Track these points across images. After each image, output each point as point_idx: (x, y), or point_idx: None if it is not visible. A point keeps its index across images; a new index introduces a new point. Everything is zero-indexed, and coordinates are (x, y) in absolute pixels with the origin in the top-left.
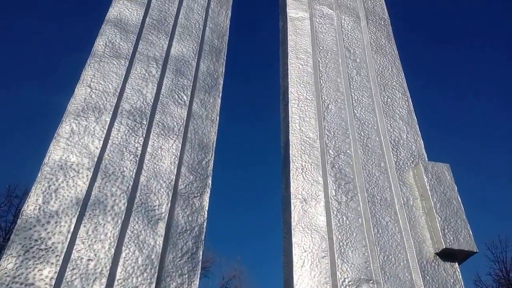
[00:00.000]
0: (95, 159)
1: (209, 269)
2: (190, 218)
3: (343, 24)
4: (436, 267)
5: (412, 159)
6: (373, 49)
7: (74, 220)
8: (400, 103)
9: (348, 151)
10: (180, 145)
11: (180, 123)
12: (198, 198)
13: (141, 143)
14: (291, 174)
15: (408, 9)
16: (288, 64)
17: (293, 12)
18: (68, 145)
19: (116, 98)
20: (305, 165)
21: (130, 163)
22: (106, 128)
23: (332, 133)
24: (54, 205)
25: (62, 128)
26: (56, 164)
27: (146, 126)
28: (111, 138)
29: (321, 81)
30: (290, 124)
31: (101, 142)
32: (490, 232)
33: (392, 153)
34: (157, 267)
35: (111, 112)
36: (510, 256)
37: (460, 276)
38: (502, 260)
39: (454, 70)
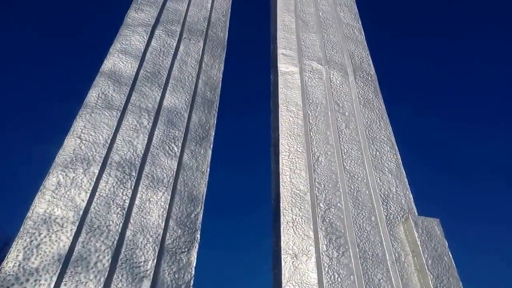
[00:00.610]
0: (81, 213)
1: None
2: (176, 275)
3: (332, 78)
4: None
5: (402, 213)
6: (361, 103)
7: (54, 279)
8: (389, 156)
9: (338, 204)
10: (169, 198)
11: (170, 175)
12: (185, 253)
13: (129, 196)
14: (281, 227)
15: (395, 69)
16: (279, 116)
17: (283, 66)
18: (54, 197)
19: (106, 150)
20: (295, 218)
21: (117, 216)
22: (94, 180)
23: (322, 185)
24: (35, 261)
25: (48, 180)
26: (39, 217)
27: (135, 177)
28: (98, 190)
29: (311, 133)
30: (280, 176)
31: (88, 195)
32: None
33: (382, 206)
34: None
35: (100, 164)
36: None
37: None
38: None
39: (441, 131)
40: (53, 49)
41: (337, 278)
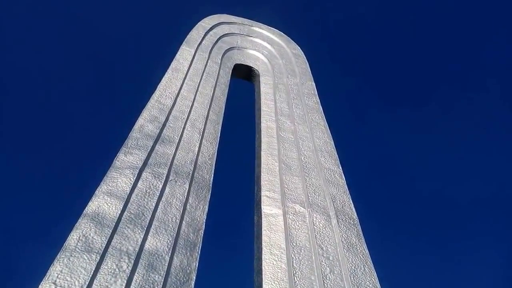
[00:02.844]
0: None
1: None
2: None
3: (315, 221)
4: None
5: None
6: (345, 247)
7: None
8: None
9: None
10: None
11: None
12: None
13: None
14: None
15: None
16: (262, 259)
17: (267, 208)
18: None
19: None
20: None
21: None
22: None
23: None
24: None
25: None
26: None
27: None
28: None
29: (295, 278)
30: None
31: None
32: None
33: None
34: None
35: None
36: None
37: None
38: None
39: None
40: (34, 192)
41: None
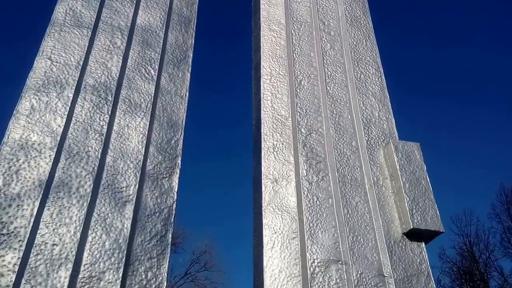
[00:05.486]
0: (58, 138)
1: (179, 245)
2: (159, 200)
3: None
4: (403, 247)
5: (383, 138)
6: (348, 21)
7: (37, 203)
8: (373, 79)
9: (320, 130)
10: (147, 123)
11: (148, 100)
12: (167, 179)
13: (107, 121)
14: (262, 153)
15: None
16: (261, 36)
17: None
18: (29, 123)
19: (79, 72)
20: (276, 144)
21: (96, 142)
22: (69, 104)
23: (304, 111)
24: (16, 187)
25: (21, 105)
26: (16, 143)
27: (112, 102)
28: (74, 115)
29: (294, 55)
30: (262, 101)
31: (64, 120)
32: (456, 206)
33: (364, 131)
34: (125, 251)
35: (74, 87)
36: (474, 229)
37: (427, 256)
38: (466, 233)
39: (427, 51)
40: None
41: (316, 201)
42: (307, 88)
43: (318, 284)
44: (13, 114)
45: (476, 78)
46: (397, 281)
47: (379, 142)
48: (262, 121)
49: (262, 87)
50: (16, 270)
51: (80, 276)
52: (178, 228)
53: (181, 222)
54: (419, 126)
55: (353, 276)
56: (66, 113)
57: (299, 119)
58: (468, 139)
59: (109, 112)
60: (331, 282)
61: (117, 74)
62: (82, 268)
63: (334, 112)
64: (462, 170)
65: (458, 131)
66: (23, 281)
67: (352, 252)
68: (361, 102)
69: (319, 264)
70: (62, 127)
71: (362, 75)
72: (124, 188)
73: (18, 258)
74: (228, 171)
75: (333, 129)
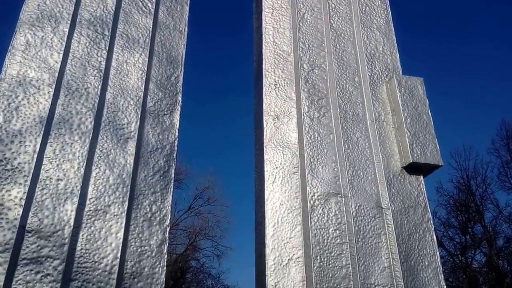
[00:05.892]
0: (56, 74)
1: (182, 181)
2: (160, 137)
3: None
4: (401, 180)
5: (387, 73)
6: None
7: (39, 140)
8: (379, 11)
9: (322, 65)
10: (146, 59)
11: (146, 35)
12: (168, 116)
13: (105, 57)
14: (263, 90)
15: None
16: None
17: None
18: (25, 58)
19: (74, 5)
20: (278, 80)
21: (94, 78)
22: (65, 39)
23: (307, 46)
24: (17, 124)
25: (16, 40)
26: (14, 80)
27: (109, 37)
28: (71, 51)
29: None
30: (263, 36)
31: (61, 56)
32: (457, 141)
33: (367, 66)
34: (129, 186)
35: (69, 22)
36: (472, 164)
37: (424, 189)
38: (465, 168)
39: None
40: None
41: (317, 137)
42: (310, 22)
43: (318, 216)
44: (8, 50)
45: (478, 14)
46: (395, 212)
47: (382, 77)
48: (263, 57)
49: (263, 21)
50: (23, 204)
51: (86, 209)
52: (182, 165)
53: (184, 159)
54: (419, 61)
55: (352, 208)
56: (63, 48)
57: (301, 55)
58: (470, 76)
59: (107, 48)
60: (330, 213)
61: (113, 8)
62: (87, 202)
63: (338, 47)
64: (464, 106)
65: (460, 67)
66: (30, 214)
67: (352, 185)
68: (365, 36)
69: (319, 197)
70: (60, 63)
71: (367, 7)
72: (126, 125)
73: (24, 192)
74: (229, 108)
75: (336, 64)
